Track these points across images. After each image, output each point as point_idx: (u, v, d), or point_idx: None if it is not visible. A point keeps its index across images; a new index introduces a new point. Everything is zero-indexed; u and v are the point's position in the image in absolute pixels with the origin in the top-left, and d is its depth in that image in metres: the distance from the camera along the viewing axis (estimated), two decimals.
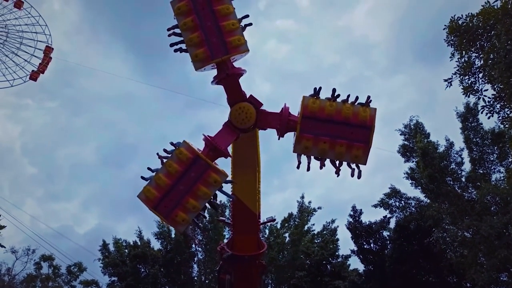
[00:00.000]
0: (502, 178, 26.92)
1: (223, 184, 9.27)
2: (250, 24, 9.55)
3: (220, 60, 9.43)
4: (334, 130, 9.04)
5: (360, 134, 9.04)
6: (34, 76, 58.31)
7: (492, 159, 27.41)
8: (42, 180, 79.48)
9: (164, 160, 9.19)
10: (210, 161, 9.14)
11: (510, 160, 26.79)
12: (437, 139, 28.34)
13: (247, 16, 9.61)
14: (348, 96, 9.26)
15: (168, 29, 9.61)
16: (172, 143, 9.18)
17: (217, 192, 9.22)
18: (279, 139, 10.11)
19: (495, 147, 27.30)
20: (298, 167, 9.50)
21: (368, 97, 9.22)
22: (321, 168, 9.49)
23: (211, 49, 9.31)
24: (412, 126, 29.43)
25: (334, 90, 9.22)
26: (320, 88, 9.26)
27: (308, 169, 9.44)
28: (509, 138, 26.54)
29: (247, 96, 9.94)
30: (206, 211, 9.48)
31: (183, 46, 9.62)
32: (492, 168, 27.38)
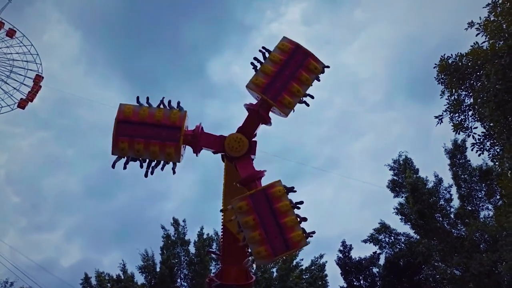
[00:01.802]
0: (490, 215, 27.05)
1: None
2: (163, 97, 10.16)
3: (183, 138, 9.98)
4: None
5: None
6: (22, 104, 57.98)
7: (480, 196, 27.61)
8: (26, 210, 77.66)
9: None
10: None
11: (498, 197, 26.95)
12: (426, 175, 28.55)
13: (148, 98, 10.19)
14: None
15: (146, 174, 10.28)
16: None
17: None
18: (270, 125, 10.62)
19: (483, 184, 27.56)
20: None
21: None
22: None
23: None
24: (401, 162, 29.65)
25: (252, 63, 10.01)
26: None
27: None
28: (497, 175, 26.85)
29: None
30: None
31: (153, 164, 10.22)
32: (480, 205, 27.54)
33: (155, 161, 10.08)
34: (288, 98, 9.74)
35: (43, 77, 59.20)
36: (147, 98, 10.02)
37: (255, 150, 10.74)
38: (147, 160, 10.09)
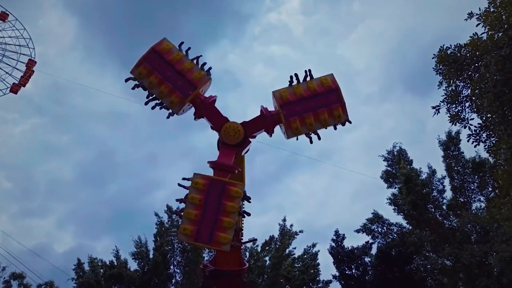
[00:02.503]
0: (482, 207, 27.31)
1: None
2: (200, 56, 10.92)
3: (193, 96, 10.50)
4: (311, 104, 10.15)
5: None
6: (15, 89, 57.37)
7: (472, 188, 27.83)
8: (18, 195, 77.23)
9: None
10: (227, 179, 9.83)
11: (490, 189, 27.21)
12: (420, 166, 28.71)
13: (199, 56, 10.92)
14: (305, 74, 10.44)
15: (181, 181, 10.30)
16: (185, 178, 9.83)
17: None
18: (271, 136, 10.98)
19: (476, 176, 27.77)
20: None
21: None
22: (311, 142, 10.41)
23: (181, 91, 10.52)
24: (395, 153, 29.77)
25: (291, 77, 10.43)
26: (291, 76, 10.43)
27: (311, 142, 10.38)
28: (490, 168, 27.06)
29: (227, 118, 10.92)
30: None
31: (157, 101, 10.77)
32: (472, 197, 27.77)
33: (159, 100, 10.56)
34: (298, 124, 10.08)
35: (36, 62, 58.50)
36: (291, 77, 10.44)
37: (245, 147, 11.02)
38: (152, 96, 10.62)
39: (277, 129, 10.88)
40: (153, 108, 10.78)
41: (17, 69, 57.03)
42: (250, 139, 11.20)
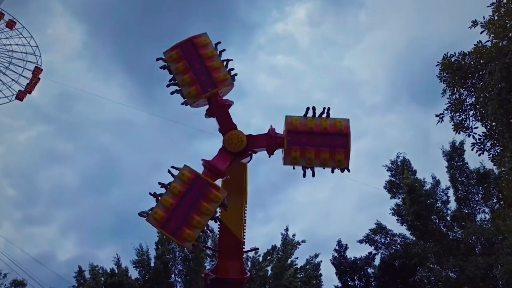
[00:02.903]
0: (487, 218, 27.02)
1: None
2: (231, 60, 11.24)
3: (210, 94, 10.81)
4: (316, 140, 10.28)
5: (339, 141, 10.26)
6: (20, 96, 57.70)
7: (477, 199, 27.58)
8: (21, 203, 77.18)
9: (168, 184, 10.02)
10: (210, 180, 9.99)
11: (495, 200, 26.94)
12: (424, 176, 28.50)
13: (230, 60, 11.26)
14: (323, 110, 10.55)
15: (163, 67, 11.24)
16: (174, 167, 10.07)
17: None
18: (269, 156, 11.17)
19: (480, 187, 27.53)
20: (304, 175, 10.58)
21: (328, 108, 10.60)
22: (313, 175, 10.54)
23: (201, 85, 10.85)
24: (399, 163, 29.58)
25: (308, 108, 10.52)
26: (308, 108, 10.54)
27: (304, 176, 10.53)
28: (494, 179, 26.82)
29: (236, 126, 11.16)
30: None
31: (178, 88, 11.11)
32: (477, 208, 27.50)
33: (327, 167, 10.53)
34: (298, 154, 10.25)
35: (42, 69, 58.92)
36: (307, 109, 10.53)
37: (243, 158, 11.27)
38: (175, 82, 11.01)
39: (278, 151, 10.92)
40: (172, 93, 11.19)
41: (23, 76, 57.43)
42: (251, 153, 11.41)
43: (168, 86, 11.25)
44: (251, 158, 11.96)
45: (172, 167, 10.13)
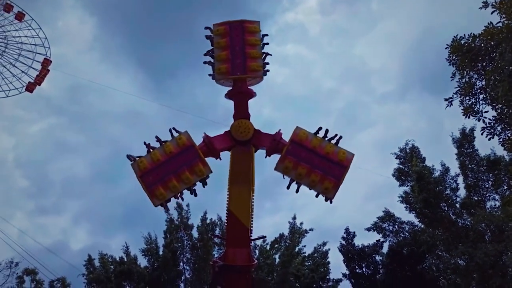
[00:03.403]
0: (496, 205, 26.71)
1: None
2: (270, 54, 11.51)
3: (237, 78, 11.17)
4: (314, 160, 10.44)
5: (335, 170, 10.38)
6: (30, 88, 57.93)
7: (487, 186, 27.23)
8: (33, 193, 77.87)
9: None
10: (202, 155, 10.40)
11: (505, 187, 26.60)
12: (433, 164, 28.18)
13: (269, 54, 11.51)
14: (335, 136, 10.72)
15: (207, 37, 11.53)
16: (175, 129, 10.48)
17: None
18: (265, 157, 11.58)
19: (490, 174, 27.16)
20: (288, 187, 10.90)
21: (340, 136, 10.74)
22: (296, 191, 10.86)
23: (233, 67, 11.11)
24: (408, 150, 29.27)
25: (320, 128, 10.74)
26: (320, 128, 10.79)
27: (288, 188, 10.88)
28: (505, 165, 26.48)
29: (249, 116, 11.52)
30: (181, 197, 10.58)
31: (211, 60, 11.48)
32: (487, 195, 27.17)
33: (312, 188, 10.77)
34: (290, 166, 10.46)
35: (51, 61, 59.00)
36: (319, 129, 10.75)
37: (243, 149, 11.49)
38: (211, 53, 11.43)
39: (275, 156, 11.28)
40: (204, 62, 11.53)
41: (32, 68, 57.51)
42: (253, 147, 11.74)
43: (205, 55, 11.56)
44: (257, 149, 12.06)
45: (174, 129, 10.54)
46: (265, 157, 11.54)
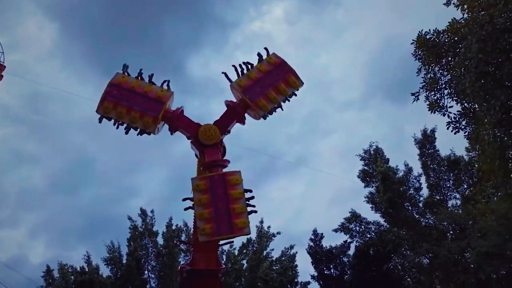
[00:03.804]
0: (458, 204, 27.50)
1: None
2: (152, 74, 11.33)
3: (163, 114, 10.83)
4: (266, 82, 11.06)
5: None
6: None
7: (448, 185, 28.03)
8: None
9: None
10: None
11: (465, 186, 27.46)
12: (396, 164, 28.77)
13: (152, 74, 11.24)
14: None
15: (184, 199, 11.02)
16: (186, 199, 10.48)
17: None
18: (243, 124, 11.49)
19: (451, 174, 28.00)
20: (100, 121, 10.98)
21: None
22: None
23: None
24: (372, 152, 29.75)
25: (240, 65, 11.17)
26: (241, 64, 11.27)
27: (282, 109, 11.21)
28: (464, 165, 27.38)
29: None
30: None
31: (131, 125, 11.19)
32: (448, 194, 27.95)
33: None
34: (263, 101, 10.80)
35: (5, 66, 56.32)
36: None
37: (224, 149, 11.48)
38: (126, 124, 10.97)
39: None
40: (126, 132, 11.16)
41: None
42: (225, 135, 11.61)
43: (117, 127, 11.04)
44: (225, 152, 11.96)
45: (184, 199, 10.49)
46: (243, 124, 11.64)
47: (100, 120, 11.04)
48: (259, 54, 11.38)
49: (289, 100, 11.21)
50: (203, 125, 11.25)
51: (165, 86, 11.08)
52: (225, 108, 11.53)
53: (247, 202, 10.57)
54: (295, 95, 11.32)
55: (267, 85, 11.04)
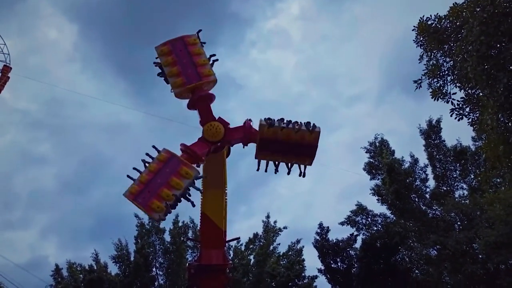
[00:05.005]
0: (465, 194, 27.27)
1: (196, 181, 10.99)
2: (217, 60, 12.67)
3: (194, 86, 12.05)
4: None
5: (307, 151, 11.84)
6: None
7: (455, 176, 27.80)
8: None
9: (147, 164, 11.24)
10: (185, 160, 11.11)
11: (472, 176, 27.21)
12: (402, 155, 28.55)
13: (214, 55, 12.66)
14: (301, 123, 11.94)
15: (155, 64, 12.53)
16: (154, 147, 11.27)
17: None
18: (243, 147, 12.44)
19: (458, 164, 27.77)
20: (257, 169, 12.22)
21: (309, 123, 12.06)
22: (162, 76, 12.53)
23: (187, 77, 12.02)
24: (377, 144, 29.55)
25: (282, 119, 11.96)
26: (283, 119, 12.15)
27: (266, 170, 12.26)
28: (471, 155, 27.12)
29: (216, 118, 12.33)
30: (177, 205, 10.90)
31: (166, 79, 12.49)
32: (455, 185, 27.72)
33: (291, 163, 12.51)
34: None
35: (11, 68, 56.98)
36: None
37: (221, 148, 12.44)
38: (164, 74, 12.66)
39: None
40: (162, 77, 12.43)
41: None
42: (228, 145, 12.68)
43: (158, 74, 12.46)
44: (229, 152, 12.96)
45: (153, 146, 11.30)
46: (243, 147, 12.37)
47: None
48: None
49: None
50: (214, 121, 12.12)
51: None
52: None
53: (186, 196, 10.97)
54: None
55: (283, 150, 11.74)
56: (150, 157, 11.21)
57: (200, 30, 12.86)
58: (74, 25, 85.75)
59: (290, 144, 11.60)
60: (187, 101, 12.66)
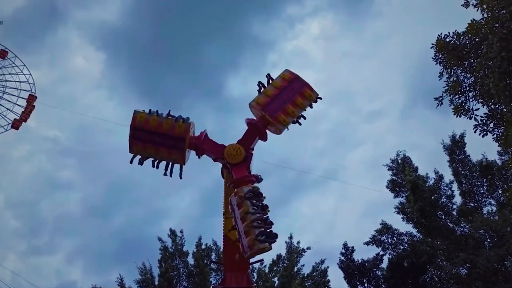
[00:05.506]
0: (493, 210, 26.53)
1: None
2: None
3: (188, 146, 11.57)
4: (283, 97, 11.58)
5: (296, 85, 11.60)
6: (16, 125, 57.58)
7: (482, 191, 27.12)
8: (25, 233, 75.48)
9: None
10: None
11: (500, 192, 26.46)
12: (426, 172, 28.04)
13: (304, 117, 11.96)
14: (267, 79, 11.79)
15: (267, 76, 12.17)
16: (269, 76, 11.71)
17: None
18: (265, 140, 12.16)
19: (484, 180, 27.09)
20: (131, 162, 11.88)
21: (269, 74, 11.88)
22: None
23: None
24: (399, 161, 29.12)
25: (258, 84, 11.76)
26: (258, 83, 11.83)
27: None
28: (498, 170, 26.44)
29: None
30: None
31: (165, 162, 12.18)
32: (482, 200, 27.02)
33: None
34: (283, 116, 11.32)
35: (36, 97, 58.93)
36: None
37: (250, 160, 11.99)
38: (157, 160, 11.87)
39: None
40: (165, 170, 11.99)
41: (18, 105, 57.45)
42: (251, 151, 12.06)
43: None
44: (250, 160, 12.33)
45: (268, 75, 11.71)
46: (265, 140, 12.11)
47: (131, 161, 11.85)
48: (268, 75, 11.76)
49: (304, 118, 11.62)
50: (228, 146, 11.79)
51: (181, 119, 11.51)
52: (246, 127, 11.96)
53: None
54: (311, 106, 11.66)
55: (284, 100, 11.45)
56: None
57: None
58: (101, 53, 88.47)
59: (282, 91, 11.54)
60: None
